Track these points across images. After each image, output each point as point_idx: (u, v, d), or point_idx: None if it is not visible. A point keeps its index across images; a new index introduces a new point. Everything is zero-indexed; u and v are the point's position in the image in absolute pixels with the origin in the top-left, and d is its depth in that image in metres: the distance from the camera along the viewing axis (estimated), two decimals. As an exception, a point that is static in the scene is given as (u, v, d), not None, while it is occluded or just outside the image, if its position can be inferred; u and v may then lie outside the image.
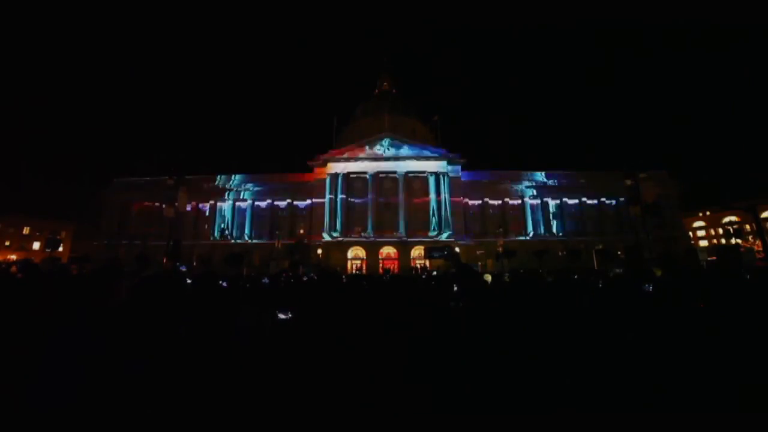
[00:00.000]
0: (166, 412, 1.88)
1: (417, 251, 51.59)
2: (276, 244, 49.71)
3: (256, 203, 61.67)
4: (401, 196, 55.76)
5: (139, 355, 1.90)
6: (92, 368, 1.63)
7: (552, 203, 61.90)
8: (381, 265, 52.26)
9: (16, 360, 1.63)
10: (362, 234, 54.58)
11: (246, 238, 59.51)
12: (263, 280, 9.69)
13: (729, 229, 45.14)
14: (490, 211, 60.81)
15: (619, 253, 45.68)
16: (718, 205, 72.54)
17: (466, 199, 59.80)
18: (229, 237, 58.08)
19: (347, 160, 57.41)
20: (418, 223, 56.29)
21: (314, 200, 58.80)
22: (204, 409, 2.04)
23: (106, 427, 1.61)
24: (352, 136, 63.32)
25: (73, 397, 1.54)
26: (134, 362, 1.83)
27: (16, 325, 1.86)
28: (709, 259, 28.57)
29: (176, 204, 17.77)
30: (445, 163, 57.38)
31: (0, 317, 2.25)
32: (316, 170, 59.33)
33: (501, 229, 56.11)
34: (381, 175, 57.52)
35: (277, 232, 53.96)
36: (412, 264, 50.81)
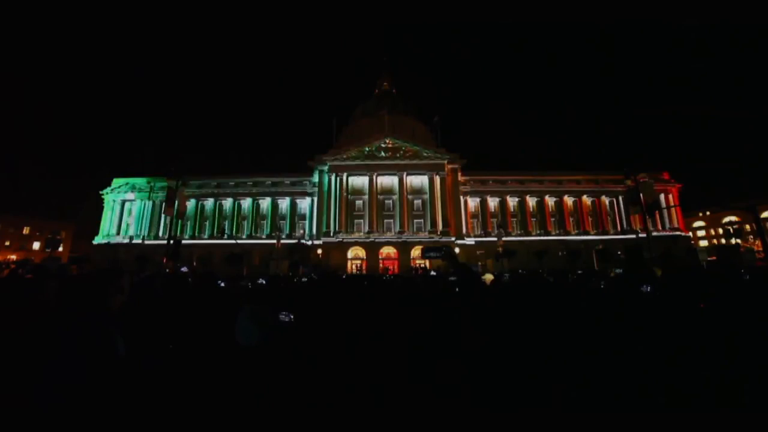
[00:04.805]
0: (170, 410, 1.88)
1: (417, 251, 51.59)
2: (276, 244, 49.65)
3: (256, 203, 61.66)
4: (401, 196, 55.77)
5: (143, 354, 1.90)
6: (97, 367, 1.63)
7: (552, 203, 61.93)
8: (381, 265, 52.26)
9: (25, 361, 1.64)
10: (362, 234, 54.59)
11: (246, 238, 59.48)
12: (259, 281, 9.64)
13: (729, 229, 45.06)
14: (490, 211, 60.80)
15: (619, 253, 45.74)
16: (718, 205, 72.65)
17: (466, 199, 59.83)
18: (228, 237, 58.04)
19: (346, 160, 57.37)
20: (418, 223, 56.34)
21: (314, 200, 58.81)
22: (206, 408, 2.04)
23: (111, 425, 1.61)
24: (352, 137, 63.29)
25: (78, 396, 1.54)
26: (138, 360, 1.83)
27: (27, 326, 1.86)
28: (709, 259, 28.56)
29: (176, 204, 17.75)
30: (444, 163, 57.35)
31: (13, 318, 2.26)
32: (316, 170, 59.30)
33: (501, 229, 56.10)
34: (380, 176, 57.50)
35: (276, 232, 53.92)
36: (412, 264, 50.78)
